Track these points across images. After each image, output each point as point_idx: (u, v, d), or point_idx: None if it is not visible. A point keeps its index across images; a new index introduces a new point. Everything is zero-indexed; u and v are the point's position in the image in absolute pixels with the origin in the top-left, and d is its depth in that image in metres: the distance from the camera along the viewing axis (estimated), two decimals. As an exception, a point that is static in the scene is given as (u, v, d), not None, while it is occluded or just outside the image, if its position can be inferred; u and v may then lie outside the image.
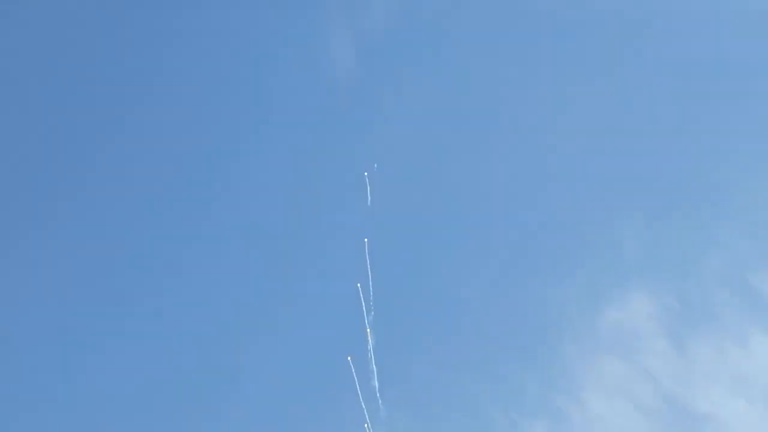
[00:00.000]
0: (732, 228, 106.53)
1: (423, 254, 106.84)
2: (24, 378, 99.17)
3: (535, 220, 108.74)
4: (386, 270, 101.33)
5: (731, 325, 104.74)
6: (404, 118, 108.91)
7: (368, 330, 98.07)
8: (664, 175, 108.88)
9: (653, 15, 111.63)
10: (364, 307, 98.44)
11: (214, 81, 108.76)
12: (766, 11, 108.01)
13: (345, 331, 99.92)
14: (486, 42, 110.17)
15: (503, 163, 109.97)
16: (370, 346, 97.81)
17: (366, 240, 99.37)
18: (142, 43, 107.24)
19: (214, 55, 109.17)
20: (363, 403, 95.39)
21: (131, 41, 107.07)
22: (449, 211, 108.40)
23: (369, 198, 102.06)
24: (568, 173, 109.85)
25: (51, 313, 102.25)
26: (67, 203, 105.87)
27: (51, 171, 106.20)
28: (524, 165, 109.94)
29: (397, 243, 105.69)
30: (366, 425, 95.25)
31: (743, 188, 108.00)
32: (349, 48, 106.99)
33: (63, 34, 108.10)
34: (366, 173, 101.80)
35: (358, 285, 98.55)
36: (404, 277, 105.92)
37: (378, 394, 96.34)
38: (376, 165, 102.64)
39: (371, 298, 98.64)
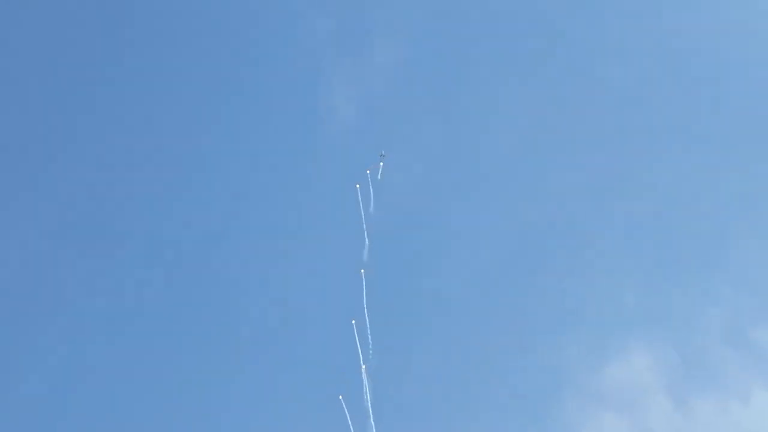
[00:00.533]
0: (732, 284, 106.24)
1: (423, 300, 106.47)
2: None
3: (538, 277, 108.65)
4: (383, 305, 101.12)
5: (732, 381, 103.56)
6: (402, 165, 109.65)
7: (363, 368, 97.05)
8: (665, 232, 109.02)
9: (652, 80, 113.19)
10: (358, 345, 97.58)
11: (219, 131, 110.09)
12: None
13: (338, 369, 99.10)
14: (486, 97, 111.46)
15: (505, 217, 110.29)
16: (366, 386, 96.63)
17: (362, 272, 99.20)
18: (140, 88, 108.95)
19: (219, 105, 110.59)
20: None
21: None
22: (450, 271, 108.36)
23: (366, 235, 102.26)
24: (572, 230, 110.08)
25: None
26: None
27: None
28: (527, 220, 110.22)
29: (394, 278, 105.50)
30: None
31: (743, 245, 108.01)
32: (351, 102, 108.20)
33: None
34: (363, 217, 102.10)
35: (353, 321, 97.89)
36: (402, 314, 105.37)
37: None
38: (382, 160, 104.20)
39: (368, 334, 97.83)
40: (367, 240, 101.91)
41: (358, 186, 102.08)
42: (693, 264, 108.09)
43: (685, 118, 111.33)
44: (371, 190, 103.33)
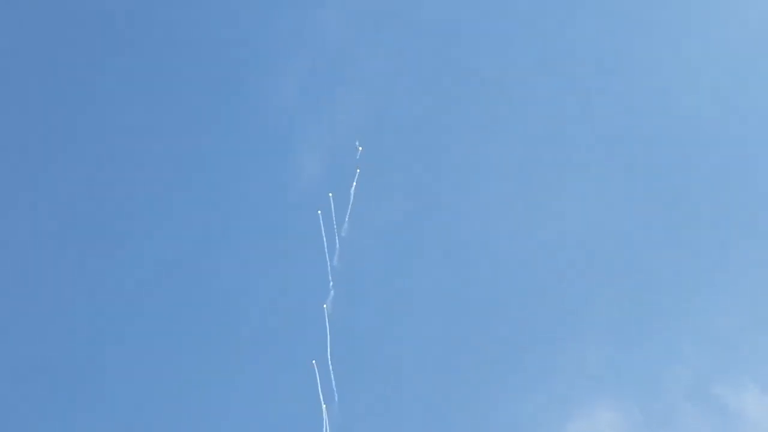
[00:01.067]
0: (694, 342, 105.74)
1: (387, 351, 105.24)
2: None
3: (500, 333, 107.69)
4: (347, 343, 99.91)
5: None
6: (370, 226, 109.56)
7: (324, 408, 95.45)
8: (626, 289, 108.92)
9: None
10: (320, 387, 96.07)
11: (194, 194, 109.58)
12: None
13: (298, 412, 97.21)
14: (456, 155, 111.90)
15: (468, 275, 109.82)
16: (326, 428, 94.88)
17: (325, 306, 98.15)
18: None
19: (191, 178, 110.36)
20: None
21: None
22: (418, 317, 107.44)
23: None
24: (534, 288, 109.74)
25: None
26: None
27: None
28: (490, 278, 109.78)
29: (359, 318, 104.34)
30: None
31: (704, 302, 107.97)
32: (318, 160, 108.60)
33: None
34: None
35: (314, 362, 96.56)
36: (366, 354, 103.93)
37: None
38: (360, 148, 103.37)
39: (331, 374, 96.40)
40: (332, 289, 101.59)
41: (319, 212, 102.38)
42: (655, 320, 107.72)
43: (651, 173, 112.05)
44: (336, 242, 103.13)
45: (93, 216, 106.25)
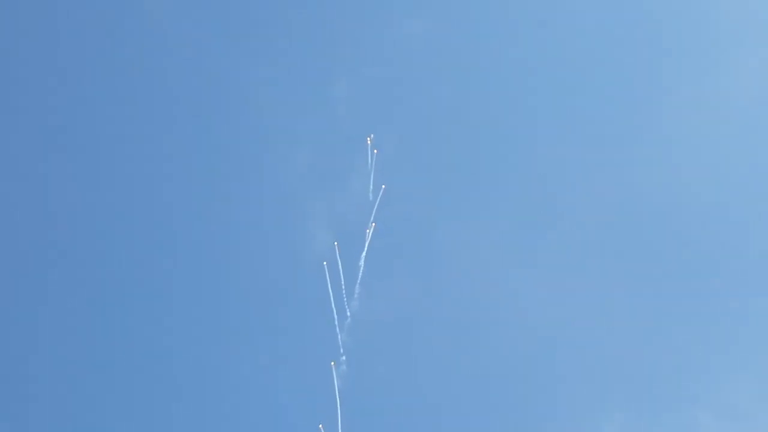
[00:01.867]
0: (712, 414, 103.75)
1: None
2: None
3: (516, 406, 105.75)
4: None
5: None
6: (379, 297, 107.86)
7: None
8: (644, 361, 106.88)
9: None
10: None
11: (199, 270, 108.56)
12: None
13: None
14: (460, 235, 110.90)
15: (482, 351, 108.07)
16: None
17: (332, 363, 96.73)
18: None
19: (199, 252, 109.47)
20: None
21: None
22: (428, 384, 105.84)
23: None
24: (551, 360, 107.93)
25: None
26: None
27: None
28: (504, 354, 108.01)
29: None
30: None
31: (722, 374, 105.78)
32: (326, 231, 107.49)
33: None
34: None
35: (320, 427, 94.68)
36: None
37: None
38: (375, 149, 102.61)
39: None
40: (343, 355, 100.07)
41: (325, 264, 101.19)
42: (673, 392, 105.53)
43: (664, 245, 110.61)
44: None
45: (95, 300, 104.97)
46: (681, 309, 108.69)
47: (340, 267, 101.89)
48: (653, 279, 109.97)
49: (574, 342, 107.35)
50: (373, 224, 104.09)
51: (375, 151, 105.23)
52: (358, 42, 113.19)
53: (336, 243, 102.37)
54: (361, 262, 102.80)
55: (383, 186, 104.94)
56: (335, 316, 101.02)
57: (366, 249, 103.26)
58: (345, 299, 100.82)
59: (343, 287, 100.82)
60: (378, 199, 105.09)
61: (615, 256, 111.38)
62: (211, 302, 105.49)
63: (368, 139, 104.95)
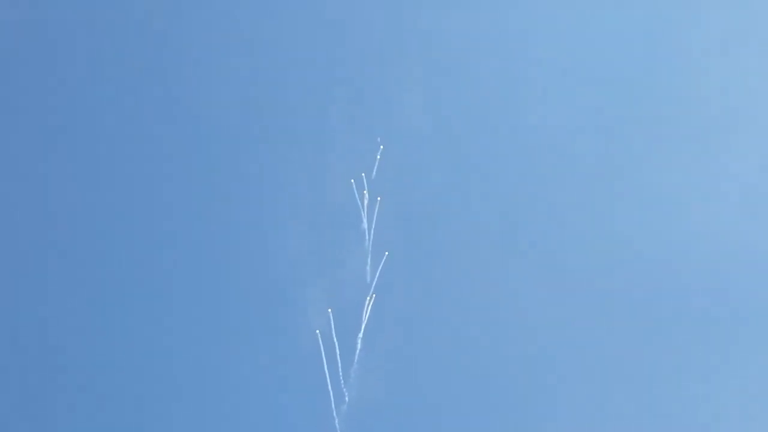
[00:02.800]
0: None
1: None
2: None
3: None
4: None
5: None
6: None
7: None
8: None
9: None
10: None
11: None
12: None
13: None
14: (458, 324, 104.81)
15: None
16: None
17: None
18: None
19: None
20: None
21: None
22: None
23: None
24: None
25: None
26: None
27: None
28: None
29: None
30: None
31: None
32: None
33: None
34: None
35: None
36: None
37: None
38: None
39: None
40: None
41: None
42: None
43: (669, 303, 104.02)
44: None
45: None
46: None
47: (334, 334, 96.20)
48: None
49: (575, 406, 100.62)
50: (373, 295, 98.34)
51: (378, 196, 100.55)
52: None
53: (330, 310, 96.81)
54: (360, 335, 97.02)
55: (386, 252, 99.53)
56: (331, 396, 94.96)
57: (365, 320, 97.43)
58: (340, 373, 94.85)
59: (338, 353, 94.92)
60: (380, 268, 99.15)
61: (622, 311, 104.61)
62: (207, 376, 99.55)
63: (364, 195, 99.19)
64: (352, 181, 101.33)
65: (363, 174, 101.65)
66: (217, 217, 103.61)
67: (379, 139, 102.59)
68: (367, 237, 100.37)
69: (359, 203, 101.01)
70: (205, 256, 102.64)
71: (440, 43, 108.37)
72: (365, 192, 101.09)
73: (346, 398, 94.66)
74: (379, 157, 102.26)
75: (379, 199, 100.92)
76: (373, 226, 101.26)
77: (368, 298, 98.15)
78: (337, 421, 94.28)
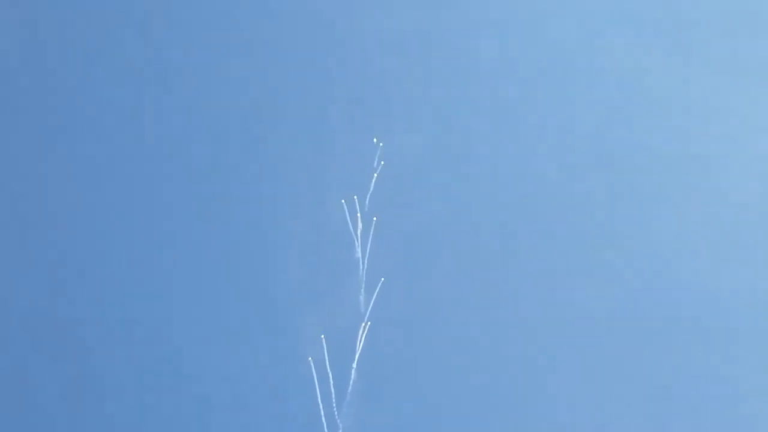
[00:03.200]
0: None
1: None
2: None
3: None
4: None
5: None
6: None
7: None
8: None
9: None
10: None
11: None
12: None
13: None
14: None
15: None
16: None
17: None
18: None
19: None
20: None
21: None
22: None
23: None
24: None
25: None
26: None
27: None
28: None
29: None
30: None
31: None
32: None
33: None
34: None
35: None
36: None
37: None
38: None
39: None
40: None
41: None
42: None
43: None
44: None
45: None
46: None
47: (327, 364, 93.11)
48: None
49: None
50: (368, 323, 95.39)
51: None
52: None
53: (323, 336, 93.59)
54: (354, 364, 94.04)
55: (382, 279, 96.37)
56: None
57: (359, 350, 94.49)
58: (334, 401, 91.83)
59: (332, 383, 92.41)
60: (375, 295, 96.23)
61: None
62: (197, 403, 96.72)
63: (358, 220, 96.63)
64: (343, 201, 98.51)
65: (355, 197, 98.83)
66: (207, 242, 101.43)
67: (377, 162, 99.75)
68: (360, 265, 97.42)
69: (352, 231, 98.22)
70: (194, 281, 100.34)
71: (443, 58, 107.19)
72: (358, 215, 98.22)
73: (340, 429, 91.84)
74: (376, 175, 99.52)
75: (375, 219, 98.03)
76: (368, 252, 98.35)
77: (363, 325, 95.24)
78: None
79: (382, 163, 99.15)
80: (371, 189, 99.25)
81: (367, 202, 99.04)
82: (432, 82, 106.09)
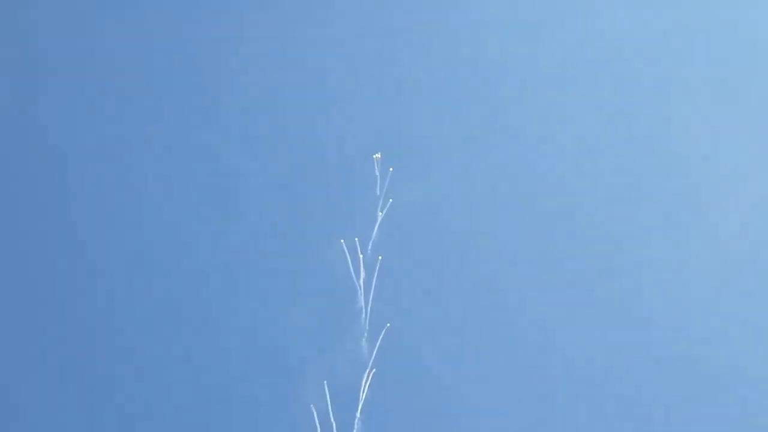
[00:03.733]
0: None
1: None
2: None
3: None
4: None
5: None
6: None
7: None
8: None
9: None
10: None
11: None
12: None
13: None
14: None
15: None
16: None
17: None
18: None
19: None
20: None
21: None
22: None
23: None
24: None
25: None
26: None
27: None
28: None
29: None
30: None
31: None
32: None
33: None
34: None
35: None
36: None
37: None
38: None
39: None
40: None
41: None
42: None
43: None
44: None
45: None
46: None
47: (331, 414, 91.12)
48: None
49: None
50: (373, 370, 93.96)
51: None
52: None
53: (325, 382, 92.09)
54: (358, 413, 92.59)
55: (388, 325, 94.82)
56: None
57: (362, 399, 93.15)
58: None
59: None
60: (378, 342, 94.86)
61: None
62: None
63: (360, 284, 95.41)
64: (343, 241, 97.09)
65: (356, 238, 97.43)
66: (208, 289, 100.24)
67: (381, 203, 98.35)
68: (364, 312, 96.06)
69: (354, 277, 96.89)
70: (196, 330, 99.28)
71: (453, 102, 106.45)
72: (360, 255, 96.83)
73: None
74: (381, 214, 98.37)
75: (380, 258, 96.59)
76: (371, 298, 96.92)
77: (367, 372, 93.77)
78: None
79: (390, 200, 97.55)
80: (374, 235, 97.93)
81: (369, 247, 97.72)
82: (440, 130, 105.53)
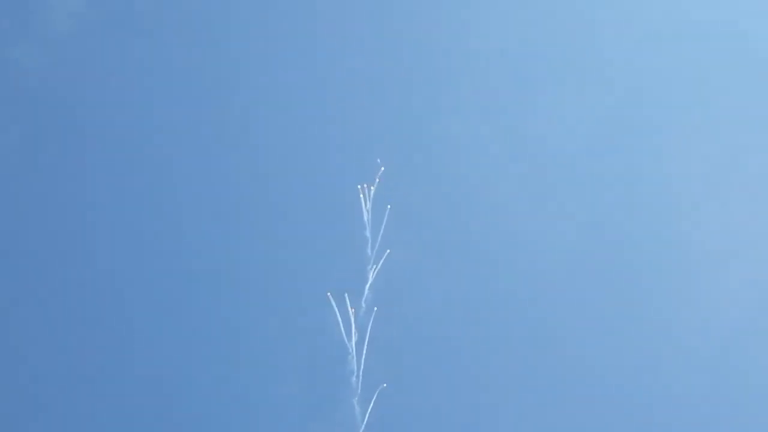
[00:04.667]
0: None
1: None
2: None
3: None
4: None
5: None
6: None
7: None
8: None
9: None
10: None
11: None
12: None
13: None
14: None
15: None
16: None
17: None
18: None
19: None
20: None
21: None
22: None
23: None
24: None
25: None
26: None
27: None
28: None
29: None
30: None
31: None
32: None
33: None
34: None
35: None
36: None
37: None
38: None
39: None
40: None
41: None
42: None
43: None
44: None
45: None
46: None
47: None
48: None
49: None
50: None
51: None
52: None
53: None
54: None
55: (384, 385, 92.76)
56: None
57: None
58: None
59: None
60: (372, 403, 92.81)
61: None
62: None
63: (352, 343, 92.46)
64: (329, 294, 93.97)
65: (345, 294, 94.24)
66: (195, 353, 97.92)
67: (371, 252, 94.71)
68: (355, 375, 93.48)
69: (345, 339, 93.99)
70: (188, 398, 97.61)
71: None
72: (351, 310, 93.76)
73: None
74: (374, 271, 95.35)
75: (375, 309, 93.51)
76: (364, 354, 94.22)
77: None
78: None
79: (388, 251, 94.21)
80: (365, 292, 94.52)
81: (363, 302, 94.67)
82: (429, 191, 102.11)
